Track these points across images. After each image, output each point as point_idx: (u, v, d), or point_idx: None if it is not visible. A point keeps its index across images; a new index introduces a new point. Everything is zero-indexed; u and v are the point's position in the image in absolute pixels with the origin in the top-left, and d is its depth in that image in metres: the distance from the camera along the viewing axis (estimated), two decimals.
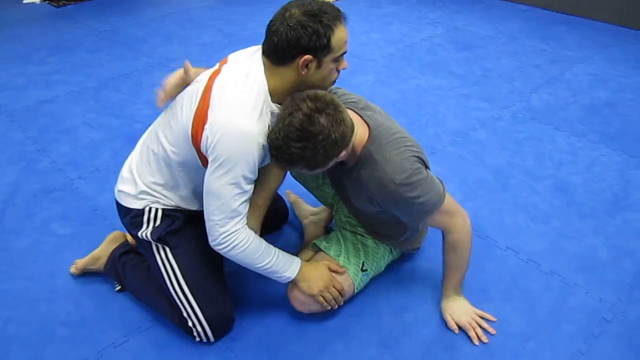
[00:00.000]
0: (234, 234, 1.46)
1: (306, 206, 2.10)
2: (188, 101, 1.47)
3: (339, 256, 1.72)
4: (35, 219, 2.19)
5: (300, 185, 1.97)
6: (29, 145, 2.70)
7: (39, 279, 1.88)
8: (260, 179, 1.66)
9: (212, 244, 1.49)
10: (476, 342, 1.62)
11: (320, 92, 1.38)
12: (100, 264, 1.84)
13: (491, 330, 1.65)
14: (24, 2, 4.97)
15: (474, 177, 2.36)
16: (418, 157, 1.49)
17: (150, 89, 3.20)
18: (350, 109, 1.52)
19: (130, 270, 1.77)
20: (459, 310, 1.69)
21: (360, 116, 1.52)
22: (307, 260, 1.71)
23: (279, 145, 1.33)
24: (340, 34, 1.39)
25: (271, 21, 1.40)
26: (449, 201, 1.55)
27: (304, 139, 1.31)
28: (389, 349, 1.62)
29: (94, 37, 4.08)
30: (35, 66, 3.60)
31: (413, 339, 1.65)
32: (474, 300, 1.76)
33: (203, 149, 1.41)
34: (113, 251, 1.83)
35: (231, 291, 1.75)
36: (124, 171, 1.69)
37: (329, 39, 1.37)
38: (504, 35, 3.87)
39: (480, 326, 1.66)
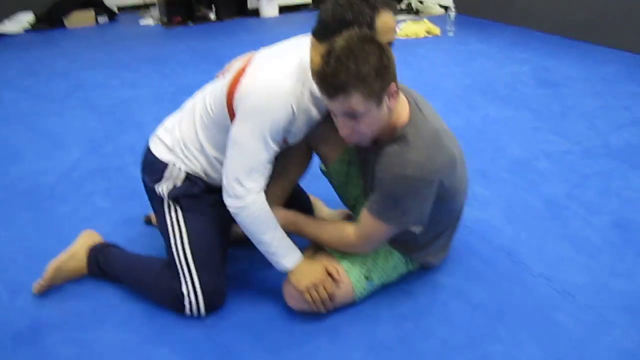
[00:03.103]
0: (249, 195, 1.44)
1: (324, 207, 2.03)
2: (235, 68, 1.55)
3: (343, 258, 1.62)
4: (82, 191, 2.34)
5: (318, 188, 1.92)
6: (100, 133, 2.92)
7: (66, 241, 1.94)
8: (279, 168, 1.65)
9: (226, 200, 1.48)
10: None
11: None
12: (76, 261, 1.75)
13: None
14: (141, 23, 5.51)
15: (521, 204, 2.16)
16: (438, 177, 1.40)
17: None
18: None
19: (112, 257, 1.74)
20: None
21: (405, 96, 1.48)
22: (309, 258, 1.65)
23: (331, 71, 1.26)
24: (385, 19, 1.39)
25: (324, 3, 1.44)
26: (383, 234, 1.49)
27: (355, 53, 1.25)
28: (376, 355, 1.48)
29: (189, 53, 4.40)
30: (130, 72, 3.94)
31: (407, 349, 1.49)
32: (485, 320, 1.58)
33: (235, 104, 1.44)
34: (92, 247, 1.77)
35: (229, 274, 1.72)
36: (167, 121, 1.74)
37: (372, 19, 1.37)
38: (595, 77, 3.60)
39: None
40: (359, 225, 1.50)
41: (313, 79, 1.34)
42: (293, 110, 1.40)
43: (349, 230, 1.53)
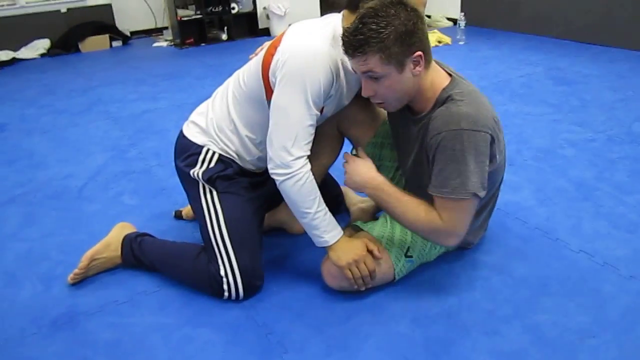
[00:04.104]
0: (297, 162, 1.42)
1: (354, 195, 2.02)
2: (268, 44, 1.56)
3: (382, 237, 1.61)
4: (109, 192, 2.34)
5: None
6: (123, 140, 2.94)
7: (98, 235, 1.94)
8: (311, 154, 1.64)
9: (273, 170, 1.46)
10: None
11: None
12: (110, 251, 1.74)
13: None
14: (154, 45, 5.60)
15: (552, 187, 2.14)
16: (490, 131, 1.37)
17: None
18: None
19: (147, 245, 1.73)
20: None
21: (442, 67, 1.48)
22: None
23: (353, 28, 1.30)
24: None
25: None
26: (465, 211, 1.40)
27: (379, 16, 1.28)
28: (421, 326, 1.45)
29: (204, 68, 4.46)
30: (147, 87, 3.99)
31: (452, 321, 1.46)
32: (529, 292, 1.55)
33: (271, 73, 1.44)
34: (126, 235, 1.76)
35: (266, 259, 1.71)
36: (201, 106, 1.75)
37: None
38: (610, 74, 3.61)
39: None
40: (438, 210, 1.41)
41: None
42: (332, 72, 1.41)
43: (434, 215, 1.41)
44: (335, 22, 1.46)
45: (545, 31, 4.88)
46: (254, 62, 1.55)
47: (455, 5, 5.65)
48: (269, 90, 1.48)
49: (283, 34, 1.50)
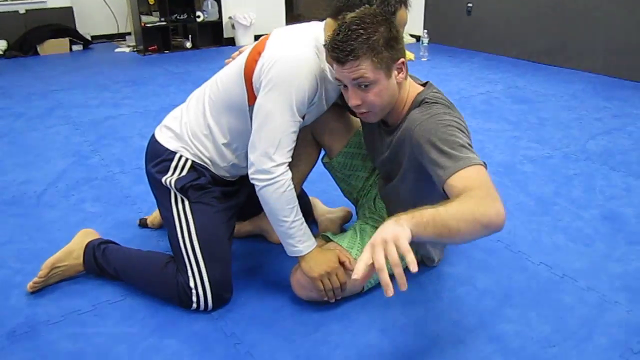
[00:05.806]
0: (278, 168, 1.42)
1: (322, 206, 2.04)
2: (248, 49, 1.56)
3: (352, 248, 1.62)
4: (71, 199, 2.28)
5: (316, 186, 1.92)
6: (84, 146, 2.87)
7: (58, 243, 1.89)
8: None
9: (254, 176, 1.45)
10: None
11: None
12: (72, 259, 1.69)
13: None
14: (116, 51, 5.50)
15: (512, 201, 2.21)
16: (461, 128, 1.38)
17: None
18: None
19: (111, 253, 1.69)
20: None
21: (414, 80, 1.53)
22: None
23: (341, 39, 1.31)
24: (404, 15, 1.47)
25: None
26: (486, 175, 1.26)
27: (365, 22, 1.31)
28: (390, 336, 1.47)
29: (168, 76, 4.41)
30: (110, 93, 3.91)
31: (419, 331, 1.49)
32: (493, 303, 1.59)
33: (255, 78, 1.44)
34: (89, 242, 1.72)
35: (235, 269, 1.69)
36: (175, 110, 1.71)
37: (395, 10, 1.43)
38: (565, 94, 3.78)
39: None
40: (465, 189, 1.20)
41: (326, 49, 1.37)
42: (317, 80, 1.42)
43: (473, 194, 1.18)
44: (317, 30, 1.48)
45: (504, 52, 5.06)
46: (234, 67, 1.54)
47: (418, 23, 5.79)
48: (251, 96, 1.48)
49: (266, 39, 1.50)
